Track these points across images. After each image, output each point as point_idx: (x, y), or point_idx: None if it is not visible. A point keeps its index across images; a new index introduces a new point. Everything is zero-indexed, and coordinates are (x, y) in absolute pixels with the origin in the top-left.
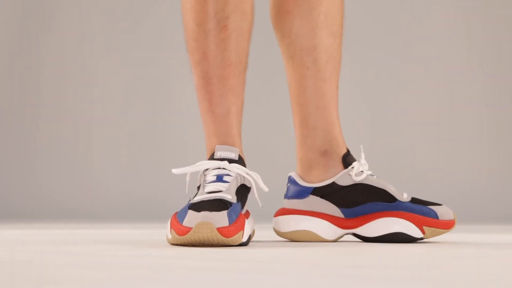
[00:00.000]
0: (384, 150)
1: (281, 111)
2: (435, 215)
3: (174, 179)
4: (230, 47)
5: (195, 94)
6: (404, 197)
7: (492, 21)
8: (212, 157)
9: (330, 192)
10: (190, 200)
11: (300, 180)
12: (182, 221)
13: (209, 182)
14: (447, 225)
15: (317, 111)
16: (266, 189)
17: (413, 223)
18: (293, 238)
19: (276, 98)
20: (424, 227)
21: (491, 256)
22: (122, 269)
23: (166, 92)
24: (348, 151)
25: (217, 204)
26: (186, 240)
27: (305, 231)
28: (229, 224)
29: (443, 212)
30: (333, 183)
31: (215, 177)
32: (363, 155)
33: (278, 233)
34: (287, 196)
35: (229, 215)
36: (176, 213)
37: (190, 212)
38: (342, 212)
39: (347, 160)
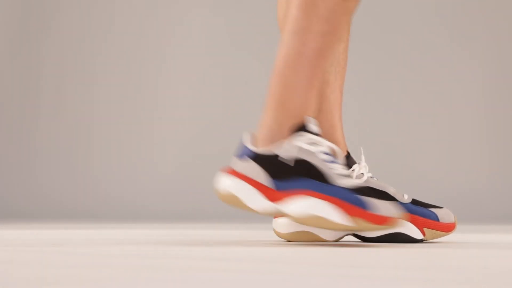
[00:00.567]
0: (384, 150)
1: None
2: (435, 218)
3: (174, 179)
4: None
5: (195, 94)
6: (405, 198)
7: (492, 21)
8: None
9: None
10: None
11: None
12: (440, 219)
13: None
14: (448, 228)
15: (319, 114)
16: None
17: (414, 224)
18: (293, 239)
19: None
20: (425, 229)
21: (491, 256)
22: (122, 269)
23: (167, 92)
24: (348, 153)
25: None
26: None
27: (304, 232)
28: None
29: (444, 215)
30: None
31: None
32: (363, 157)
33: (278, 234)
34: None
35: None
36: (413, 215)
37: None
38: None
39: (347, 163)
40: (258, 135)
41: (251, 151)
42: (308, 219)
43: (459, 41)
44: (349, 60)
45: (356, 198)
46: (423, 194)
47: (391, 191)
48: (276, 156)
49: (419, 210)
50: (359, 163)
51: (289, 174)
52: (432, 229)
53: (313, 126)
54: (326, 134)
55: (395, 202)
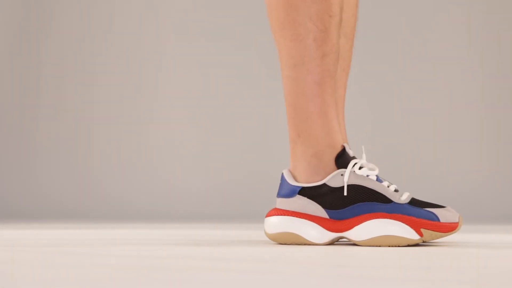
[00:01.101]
0: (384, 149)
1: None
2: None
3: (174, 179)
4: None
5: (196, 94)
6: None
7: (492, 21)
8: (346, 153)
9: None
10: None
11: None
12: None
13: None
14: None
15: None
16: None
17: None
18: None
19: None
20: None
21: (491, 256)
22: (122, 269)
23: (167, 92)
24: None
25: None
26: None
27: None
28: None
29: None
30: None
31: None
32: (364, 156)
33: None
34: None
35: None
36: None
37: (446, 209)
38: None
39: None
40: (296, 172)
41: (298, 187)
42: (381, 240)
43: (458, 40)
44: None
45: (419, 211)
46: (423, 194)
47: (387, 190)
48: (327, 186)
49: (415, 210)
50: (357, 161)
51: (344, 202)
52: (430, 229)
53: (350, 150)
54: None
55: (446, 207)
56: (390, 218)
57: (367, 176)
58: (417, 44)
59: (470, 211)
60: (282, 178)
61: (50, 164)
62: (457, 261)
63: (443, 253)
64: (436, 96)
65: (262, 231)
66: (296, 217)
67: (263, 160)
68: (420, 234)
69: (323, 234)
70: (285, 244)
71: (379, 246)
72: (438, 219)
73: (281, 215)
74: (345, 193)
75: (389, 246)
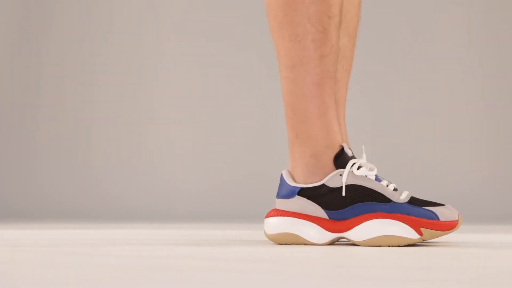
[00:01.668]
0: (384, 150)
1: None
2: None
3: (174, 179)
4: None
5: (196, 94)
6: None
7: (492, 21)
8: (345, 153)
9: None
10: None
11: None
12: (439, 218)
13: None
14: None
15: None
16: None
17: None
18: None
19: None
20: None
21: (491, 256)
22: (123, 269)
23: (167, 92)
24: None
25: None
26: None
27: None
28: None
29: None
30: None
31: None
32: (364, 155)
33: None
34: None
35: None
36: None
37: (446, 207)
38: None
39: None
40: (295, 173)
41: (297, 188)
42: (381, 240)
43: (458, 40)
44: None
45: (418, 210)
46: (423, 194)
47: (386, 190)
48: (326, 187)
49: (414, 210)
50: (357, 161)
51: (344, 202)
52: (430, 228)
53: (349, 150)
54: None
55: (445, 205)
56: (390, 218)
57: (366, 176)
58: (417, 44)
59: (470, 211)
60: (281, 179)
61: (50, 164)
62: (457, 261)
63: (443, 253)
64: (436, 96)
65: (262, 231)
66: (296, 217)
67: (263, 160)
68: (420, 234)
69: (322, 235)
70: (285, 244)
71: (379, 246)
72: (438, 218)
73: (280, 215)
74: (344, 193)
75: (389, 246)
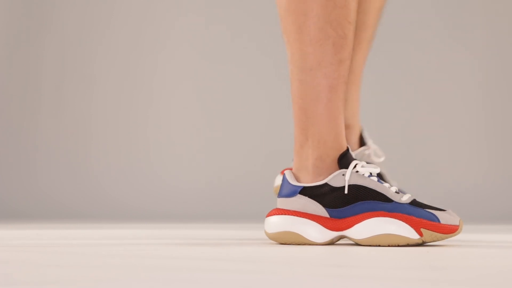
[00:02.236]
0: (384, 150)
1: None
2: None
3: (173, 179)
4: None
5: (195, 94)
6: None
7: (492, 21)
8: (349, 154)
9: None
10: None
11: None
12: (440, 221)
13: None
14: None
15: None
16: None
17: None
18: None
19: (285, 93)
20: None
21: (491, 256)
22: (123, 269)
23: (167, 92)
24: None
25: None
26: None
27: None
28: None
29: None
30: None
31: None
32: (370, 142)
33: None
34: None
35: None
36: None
37: (447, 212)
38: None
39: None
40: (301, 174)
41: (299, 187)
42: (381, 238)
43: (457, 40)
44: None
45: (419, 211)
46: (423, 194)
47: (387, 191)
48: (328, 186)
49: (415, 210)
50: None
51: (345, 201)
52: (430, 230)
53: (352, 153)
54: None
55: (447, 211)
56: (391, 217)
57: (369, 176)
58: (417, 44)
59: (470, 211)
60: (284, 178)
61: (50, 164)
62: (457, 261)
63: (443, 253)
64: (436, 96)
65: (262, 231)
66: (297, 216)
67: (263, 160)
68: (420, 234)
69: (323, 233)
70: (285, 243)
71: (379, 245)
72: (439, 220)
73: (281, 214)
74: (346, 191)
75: (388, 245)
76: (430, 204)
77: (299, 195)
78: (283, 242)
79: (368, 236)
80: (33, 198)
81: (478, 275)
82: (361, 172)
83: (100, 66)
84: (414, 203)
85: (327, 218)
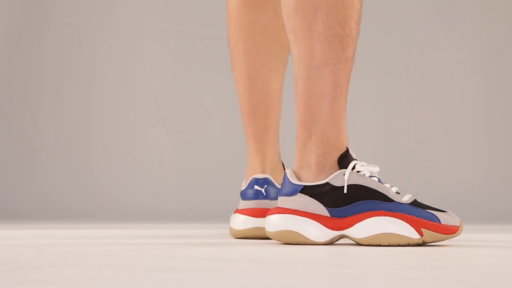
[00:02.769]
0: (384, 150)
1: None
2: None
3: (174, 179)
4: None
5: (195, 94)
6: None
7: (492, 21)
8: (349, 154)
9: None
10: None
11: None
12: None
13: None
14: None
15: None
16: None
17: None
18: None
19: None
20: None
21: (491, 256)
22: (122, 269)
23: (167, 92)
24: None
25: None
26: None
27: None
28: None
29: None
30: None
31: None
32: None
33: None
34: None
35: None
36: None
37: (448, 213)
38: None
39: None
40: (302, 172)
41: (300, 186)
42: (381, 237)
43: (458, 40)
44: None
45: (420, 212)
46: (423, 194)
47: (388, 191)
48: (329, 185)
49: (416, 211)
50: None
51: (345, 200)
52: (430, 230)
53: (352, 152)
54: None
55: (447, 212)
56: (391, 216)
57: (369, 176)
58: (417, 44)
59: (470, 211)
60: (285, 177)
61: (50, 164)
62: (457, 261)
63: (443, 253)
64: (436, 96)
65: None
66: (297, 215)
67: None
68: (421, 234)
69: (323, 233)
70: (285, 242)
71: (379, 244)
72: (439, 221)
73: (282, 213)
74: (345, 191)
75: (389, 245)
76: (431, 205)
77: (300, 194)
78: (283, 241)
79: (369, 235)
80: (33, 198)
81: (478, 275)
82: (362, 172)
83: (100, 66)
84: (415, 203)
85: (328, 217)
